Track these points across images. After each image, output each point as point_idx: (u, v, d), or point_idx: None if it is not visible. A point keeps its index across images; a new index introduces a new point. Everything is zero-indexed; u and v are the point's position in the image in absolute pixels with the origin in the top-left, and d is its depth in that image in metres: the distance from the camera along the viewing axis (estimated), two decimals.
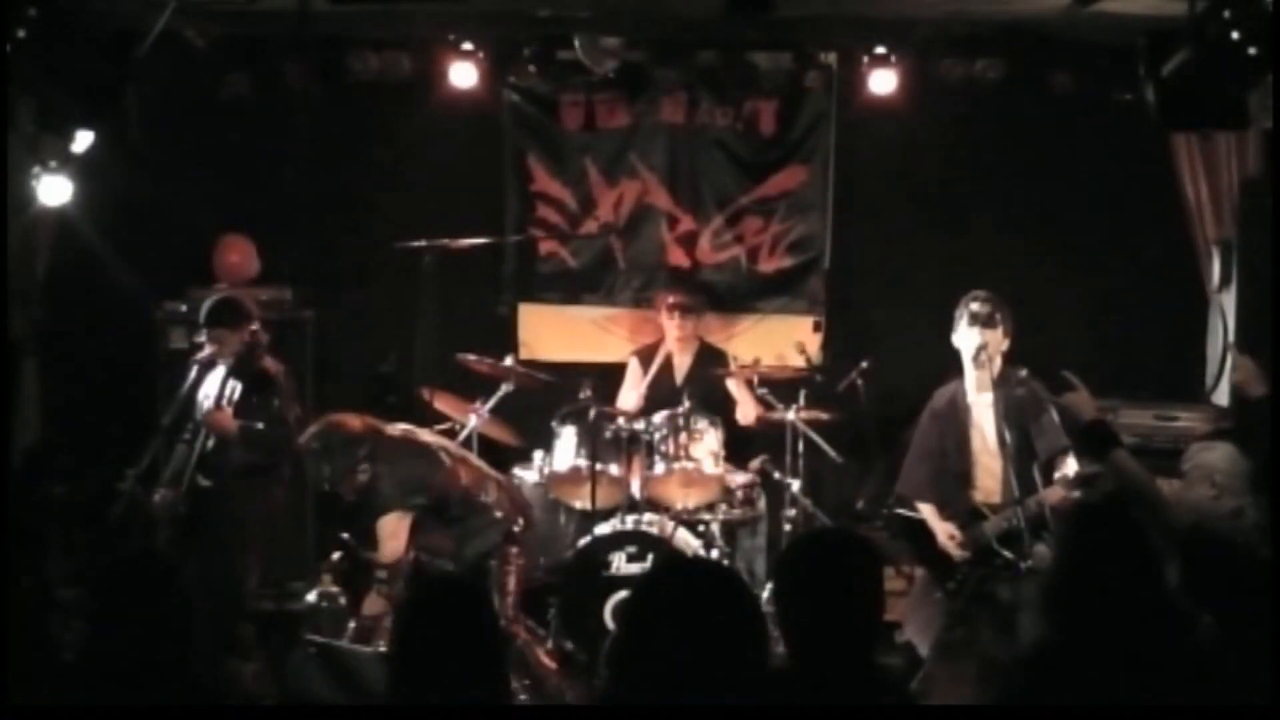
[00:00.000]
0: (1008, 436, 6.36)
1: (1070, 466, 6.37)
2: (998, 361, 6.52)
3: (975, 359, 6.54)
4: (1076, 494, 6.17)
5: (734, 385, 7.95)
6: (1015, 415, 6.44)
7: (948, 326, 6.76)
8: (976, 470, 6.61)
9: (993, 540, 6.41)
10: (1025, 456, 6.41)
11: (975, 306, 6.55)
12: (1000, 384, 6.49)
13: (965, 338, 6.58)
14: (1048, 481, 6.32)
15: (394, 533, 6.51)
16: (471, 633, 3.39)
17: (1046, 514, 6.24)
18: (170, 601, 3.65)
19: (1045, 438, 6.42)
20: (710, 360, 8.05)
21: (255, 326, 7.04)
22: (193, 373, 6.94)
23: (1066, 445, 6.36)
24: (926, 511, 6.66)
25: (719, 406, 7.84)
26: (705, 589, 3.06)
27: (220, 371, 6.93)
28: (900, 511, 6.80)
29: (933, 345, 7.06)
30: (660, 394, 7.95)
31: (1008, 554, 6.36)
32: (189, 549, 6.58)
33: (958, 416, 6.66)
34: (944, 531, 6.54)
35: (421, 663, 3.33)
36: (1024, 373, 6.51)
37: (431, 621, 3.39)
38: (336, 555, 6.88)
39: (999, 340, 6.54)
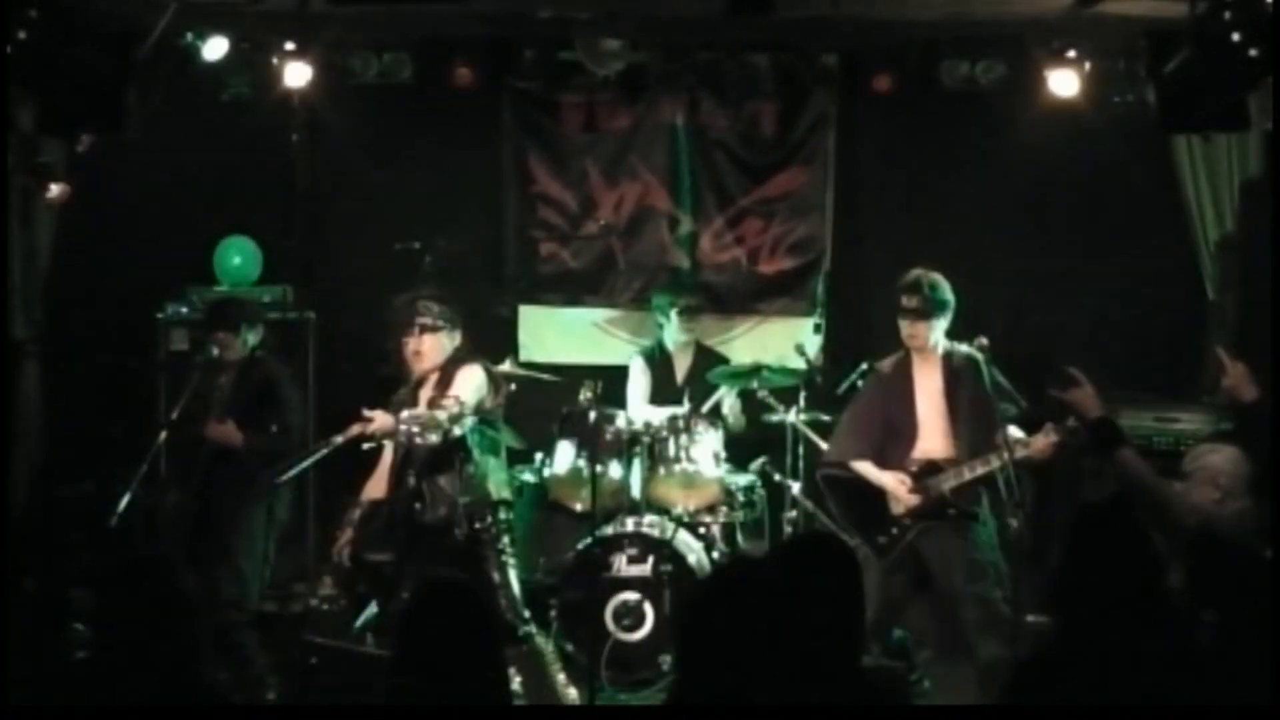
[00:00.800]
0: (956, 399, 6.50)
1: (1015, 431, 6.41)
2: (940, 344, 6.59)
3: (912, 346, 6.64)
4: (1059, 439, 6.21)
5: (723, 394, 7.95)
6: (964, 380, 6.52)
7: (948, 328, 6.79)
8: (922, 432, 6.62)
9: (946, 493, 6.46)
10: (975, 419, 6.49)
11: (905, 301, 6.59)
12: (946, 355, 6.60)
13: (900, 327, 6.64)
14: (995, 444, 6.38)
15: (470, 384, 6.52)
16: (471, 635, 3.38)
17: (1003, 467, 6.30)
18: (173, 604, 3.64)
19: (993, 404, 6.44)
20: (709, 362, 8.05)
21: (258, 329, 7.04)
22: (196, 376, 6.93)
23: (1014, 414, 6.44)
24: (864, 468, 6.65)
25: (719, 408, 7.85)
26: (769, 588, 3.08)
27: (224, 375, 6.92)
28: (828, 472, 6.84)
29: None
30: (661, 394, 7.96)
31: (963, 506, 6.45)
32: (193, 553, 6.58)
33: (904, 383, 6.69)
34: (894, 479, 6.54)
35: (422, 664, 3.33)
36: (963, 347, 6.58)
37: (432, 625, 3.39)
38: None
39: (933, 328, 6.57)
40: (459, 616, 3.40)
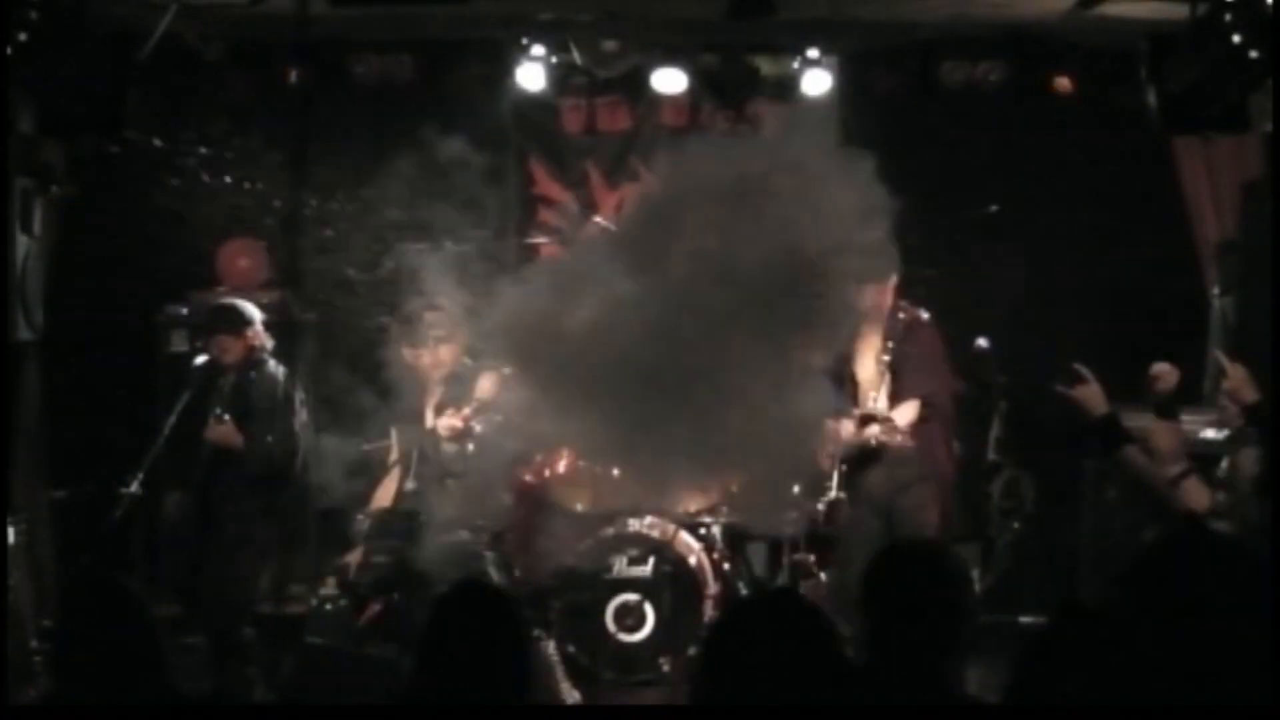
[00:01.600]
0: (893, 357, 6.79)
1: (906, 413, 6.72)
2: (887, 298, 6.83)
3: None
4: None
5: None
6: (895, 338, 6.80)
7: (949, 330, 6.80)
8: (862, 388, 6.86)
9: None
10: (898, 377, 6.80)
11: None
12: (889, 314, 6.87)
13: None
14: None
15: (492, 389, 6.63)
16: (500, 639, 3.35)
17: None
18: (135, 632, 3.53)
19: (911, 376, 6.74)
20: None
21: (257, 332, 7.04)
22: (196, 377, 6.94)
23: (917, 393, 6.75)
24: None
25: None
26: (785, 624, 3.02)
27: (224, 377, 6.93)
28: None
29: None
30: None
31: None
32: (194, 554, 6.59)
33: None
34: (834, 431, 6.76)
35: (449, 668, 3.29)
36: (925, 315, 6.86)
37: (461, 627, 3.35)
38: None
39: (881, 287, 6.77)
40: (488, 618, 3.37)
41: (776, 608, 3.19)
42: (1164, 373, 6.16)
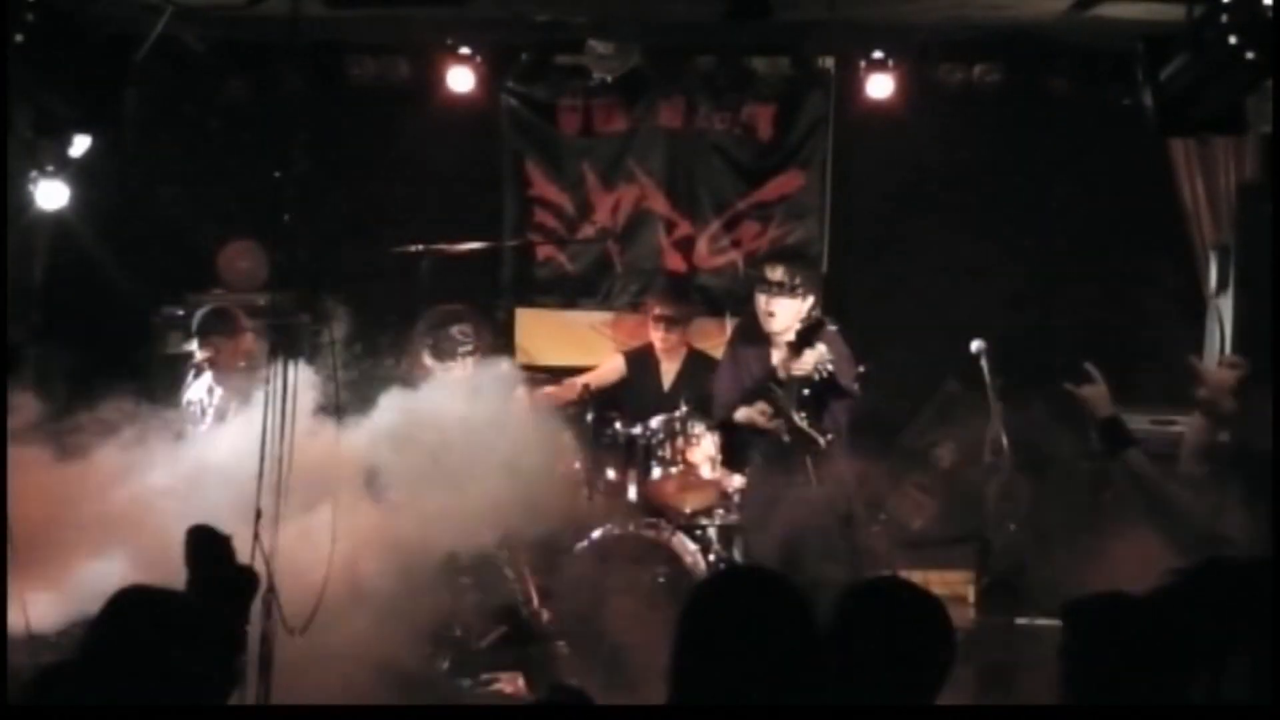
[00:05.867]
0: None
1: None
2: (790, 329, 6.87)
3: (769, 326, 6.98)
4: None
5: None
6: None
7: (946, 331, 6.80)
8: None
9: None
10: None
11: (770, 274, 6.96)
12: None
13: (758, 302, 6.98)
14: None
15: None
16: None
17: None
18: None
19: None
20: (699, 367, 8.03)
21: (248, 335, 7.06)
22: (191, 379, 6.96)
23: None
24: (741, 414, 7.08)
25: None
26: (762, 599, 3.01)
27: (208, 379, 6.95)
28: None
29: (931, 350, 7.05)
30: (646, 399, 7.93)
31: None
32: None
33: (763, 343, 7.05)
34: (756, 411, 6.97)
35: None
36: (833, 329, 6.94)
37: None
38: None
39: (796, 308, 6.87)
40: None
41: (752, 579, 3.19)
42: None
